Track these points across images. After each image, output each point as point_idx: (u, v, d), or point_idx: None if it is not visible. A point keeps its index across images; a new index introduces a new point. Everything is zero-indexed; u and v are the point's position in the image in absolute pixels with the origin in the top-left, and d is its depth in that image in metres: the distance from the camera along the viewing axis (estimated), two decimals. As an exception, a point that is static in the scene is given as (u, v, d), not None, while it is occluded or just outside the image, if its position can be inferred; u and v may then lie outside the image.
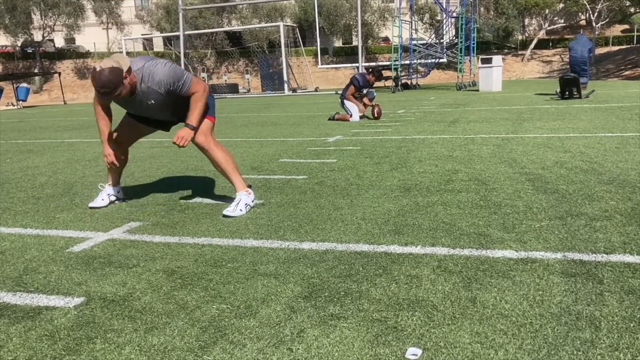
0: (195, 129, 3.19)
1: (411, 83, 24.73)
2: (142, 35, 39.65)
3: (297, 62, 35.77)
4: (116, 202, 3.69)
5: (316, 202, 3.48)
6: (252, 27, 35.56)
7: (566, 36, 38.30)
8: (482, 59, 17.90)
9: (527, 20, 41.14)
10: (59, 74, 31.11)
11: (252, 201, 3.37)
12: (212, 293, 2.10)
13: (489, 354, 1.57)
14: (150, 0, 43.25)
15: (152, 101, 3.17)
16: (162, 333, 1.79)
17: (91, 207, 3.58)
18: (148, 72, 3.09)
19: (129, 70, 3.01)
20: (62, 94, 30.94)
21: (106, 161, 3.40)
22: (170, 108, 3.30)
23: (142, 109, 3.30)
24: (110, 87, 2.94)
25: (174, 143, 3.15)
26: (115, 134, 3.49)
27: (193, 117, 3.18)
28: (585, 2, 34.47)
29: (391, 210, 3.21)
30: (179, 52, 28.77)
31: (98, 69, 2.93)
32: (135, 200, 3.76)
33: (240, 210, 3.23)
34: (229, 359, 1.61)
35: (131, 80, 3.04)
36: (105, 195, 3.63)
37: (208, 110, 3.33)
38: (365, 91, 9.50)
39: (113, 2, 40.66)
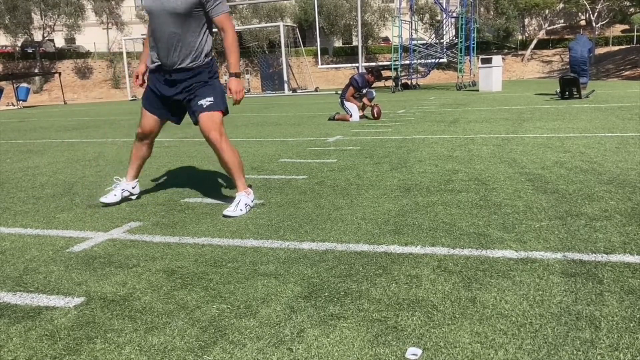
0: (239, 75, 3.26)
1: (411, 83, 24.74)
2: (142, 35, 39.54)
3: (297, 62, 35.78)
4: (130, 197, 3.66)
5: (316, 202, 3.48)
6: (252, 27, 35.56)
7: (566, 36, 38.34)
8: (482, 59, 17.91)
9: (527, 21, 41.16)
10: (59, 74, 31.16)
11: (252, 201, 3.37)
12: (212, 293, 2.10)
13: (489, 354, 1.57)
14: (150, 0, 43.22)
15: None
16: (162, 333, 1.79)
17: (103, 203, 3.55)
18: None
19: None
20: (62, 94, 30.99)
21: (134, 76, 3.46)
22: (187, 26, 3.14)
23: (163, 9, 3.11)
24: None
25: (236, 101, 3.21)
26: (139, 129, 3.48)
27: (233, 63, 3.22)
28: (585, 2, 34.49)
29: (391, 210, 3.21)
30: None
31: None
32: (136, 200, 3.76)
33: (241, 210, 3.24)
34: (229, 359, 1.62)
35: None
36: (119, 190, 3.60)
37: (222, 103, 3.32)
38: (364, 91, 9.50)
39: (113, 2, 40.69)
